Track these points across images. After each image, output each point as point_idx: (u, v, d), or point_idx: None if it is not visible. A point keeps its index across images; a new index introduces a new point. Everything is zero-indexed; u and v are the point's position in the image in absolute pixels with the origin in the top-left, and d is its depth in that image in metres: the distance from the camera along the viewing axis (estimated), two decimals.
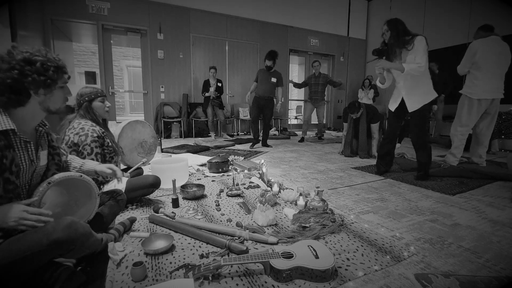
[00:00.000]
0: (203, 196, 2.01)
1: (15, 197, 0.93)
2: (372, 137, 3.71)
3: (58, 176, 1.05)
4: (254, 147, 4.54)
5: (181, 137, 5.99)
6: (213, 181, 2.46)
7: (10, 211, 0.85)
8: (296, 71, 9.96)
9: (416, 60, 2.23)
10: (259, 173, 2.46)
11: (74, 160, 1.33)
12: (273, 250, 1.12)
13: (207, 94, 5.60)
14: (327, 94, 8.42)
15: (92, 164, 1.34)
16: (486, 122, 3.13)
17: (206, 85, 5.65)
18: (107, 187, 1.69)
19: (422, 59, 2.20)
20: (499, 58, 2.93)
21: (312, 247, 1.15)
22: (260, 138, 4.74)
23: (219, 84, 5.75)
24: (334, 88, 5.29)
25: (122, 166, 2.40)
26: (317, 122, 5.81)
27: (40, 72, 0.91)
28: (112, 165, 1.35)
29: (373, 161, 3.47)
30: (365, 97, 6.86)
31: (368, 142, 3.73)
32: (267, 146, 4.65)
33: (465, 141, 3.13)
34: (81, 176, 1.13)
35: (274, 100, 4.59)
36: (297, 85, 5.70)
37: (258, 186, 2.26)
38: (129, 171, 2.07)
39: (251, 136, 5.88)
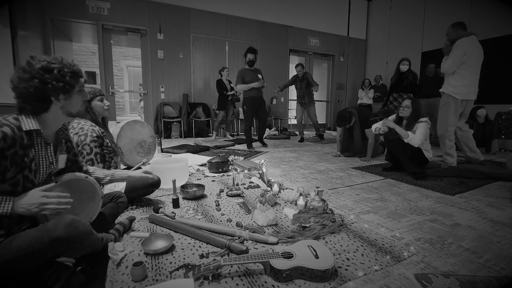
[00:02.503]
0: (203, 196, 2.01)
1: None
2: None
3: (65, 176, 1.07)
4: (252, 146, 4.46)
5: (181, 137, 5.99)
6: (213, 181, 2.46)
7: (28, 198, 0.89)
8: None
9: (414, 140, 2.60)
10: (259, 173, 2.46)
11: (98, 171, 1.35)
12: (273, 250, 1.12)
13: (229, 93, 5.58)
14: (327, 94, 8.43)
15: (123, 173, 1.41)
16: (463, 119, 3.15)
17: (222, 84, 5.63)
18: (106, 188, 1.69)
19: (418, 139, 2.58)
20: (479, 59, 2.94)
21: (312, 247, 1.15)
22: (256, 137, 4.74)
23: (231, 85, 5.79)
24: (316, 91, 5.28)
25: (122, 166, 2.40)
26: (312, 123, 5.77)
27: (58, 79, 0.96)
28: (148, 170, 1.46)
29: (373, 162, 3.47)
30: (365, 97, 6.87)
31: (364, 144, 3.65)
32: (264, 144, 4.66)
33: (454, 138, 3.12)
34: (87, 177, 1.14)
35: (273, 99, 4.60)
36: (283, 88, 5.67)
37: (258, 186, 2.26)
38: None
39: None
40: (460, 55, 2.86)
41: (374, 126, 3.06)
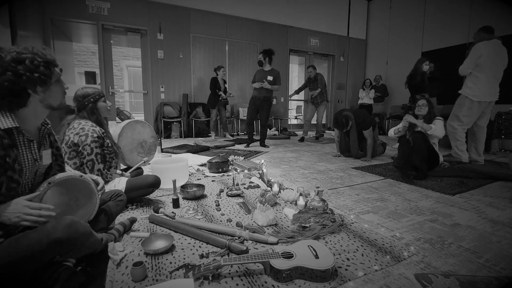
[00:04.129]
0: (203, 196, 2.01)
1: (17, 195, 0.93)
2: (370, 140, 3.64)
3: (59, 176, 1.05)
4: (249, 146, 4.55)
5: (181, 137, 5.99)
6: (213, 181, 2.46)
7: (12, 207, 0.87)
8: (296, 71, 9.96)
9: (437, 131, 2.74)
10: (259, 173, 2.46)
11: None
12: (273, 250, 1.12)
13: (220, 93, 5.60)
14: (328, 94, 8.41)
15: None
16: (483, 121, 3.19)
17: (216, 83, 5.64)
18: (107, 187, 1.69)
19: (440, 131, 2.73)
20: (499, 62, 2.98)
21: (312, 247, 1.15)
22: (257, 138, 4.74)
23: (226, 85, 5.79)
24: (320, 89, 5.38)
25: (122, 166, 2.40)
26: (315, 122, 5.81)
27: (32, 70, 0.90)
28: (98, 178, 1.28)
29: (373, 162, 3.47)
30: (366, 97, 6.86)
31: (363, 146, 3.64)
32: (265, 146, 4.65)
33: (465, 136, 3.17)
34: (81, 176, 1.13)
35: (274, 100, 4.57)
36: (297, 92, 5.75)
37: (258, 186, 2.26)
38: (129, 171, 2.08)
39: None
40: (475, 58, 2.94)
41: (391, 130, 3.09)
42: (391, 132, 3.09)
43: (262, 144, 4.66)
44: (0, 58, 0.87)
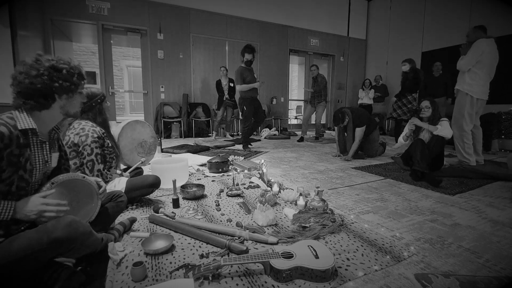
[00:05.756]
0: (203, 196, 2.01)
1: (25, 195, 0.95)
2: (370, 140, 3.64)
3: (62, 176, 1.07)
4: (247, 147, 4.47)
5: (181, 137, 5.99)
6: (213, 181, 2.46)
7: (30, 204, 0.90)
8: (296, 71, 9.96)
9: (444, 131, 2.73)
10: (259, 173, 2.46)
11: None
12: (273, 250, 1.12)
13: (213, 108, 5.69)
14: (327, 94, 8.41)
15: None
16: (477, 120, 3.19)
17: (219, 85, 5.69)
18: (107, 188, 1.68)
19: (448, 131, 2.73)
20: (494, 61, 2.99)
21: (312, 247, 1.15)
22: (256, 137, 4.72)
23: (231, 84, 5.76)
24: (325, 88, 5.45)
25: (122, 166, 2.40)
26: (314, 123, 5.82)
27: (66, 79, 0.99)
28: (100, 181, 1.26)
29: (373, 162, 3.47)
30: (365, 97, 6.86)
31: (363, 146, 3.64)
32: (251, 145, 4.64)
33: (471, 138, 3.14)
34: (84, 177, 1.14)
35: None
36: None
37: (258, 186, 2.26)
38: (128, 171, 2.08)
39: (251, 137, 5.88)
40: (478, 54, 2.93)
41: (400, 138, 3.11)
42: (401, 139, 3.11)
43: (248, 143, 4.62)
44: (38, 63, 0.94)
